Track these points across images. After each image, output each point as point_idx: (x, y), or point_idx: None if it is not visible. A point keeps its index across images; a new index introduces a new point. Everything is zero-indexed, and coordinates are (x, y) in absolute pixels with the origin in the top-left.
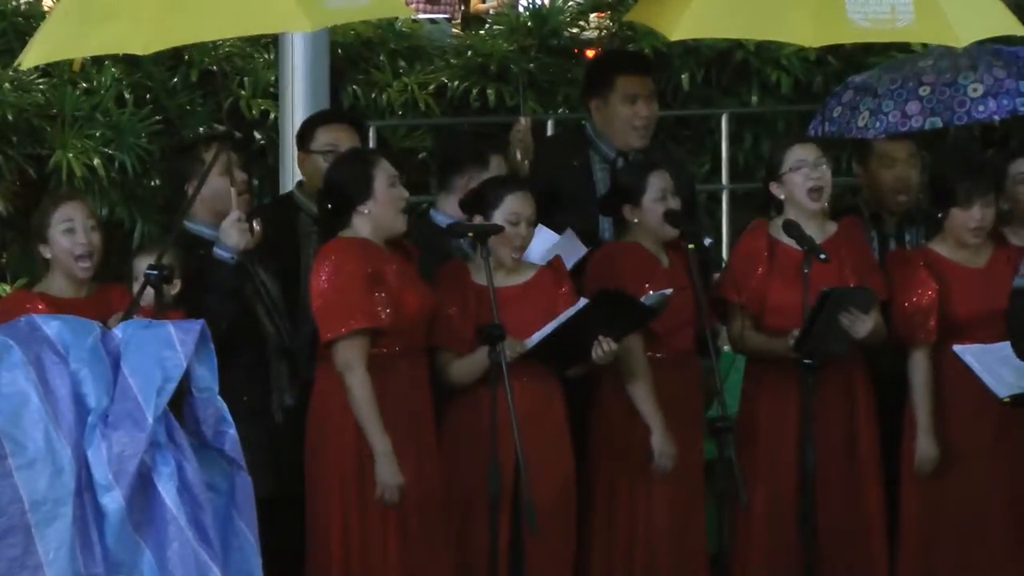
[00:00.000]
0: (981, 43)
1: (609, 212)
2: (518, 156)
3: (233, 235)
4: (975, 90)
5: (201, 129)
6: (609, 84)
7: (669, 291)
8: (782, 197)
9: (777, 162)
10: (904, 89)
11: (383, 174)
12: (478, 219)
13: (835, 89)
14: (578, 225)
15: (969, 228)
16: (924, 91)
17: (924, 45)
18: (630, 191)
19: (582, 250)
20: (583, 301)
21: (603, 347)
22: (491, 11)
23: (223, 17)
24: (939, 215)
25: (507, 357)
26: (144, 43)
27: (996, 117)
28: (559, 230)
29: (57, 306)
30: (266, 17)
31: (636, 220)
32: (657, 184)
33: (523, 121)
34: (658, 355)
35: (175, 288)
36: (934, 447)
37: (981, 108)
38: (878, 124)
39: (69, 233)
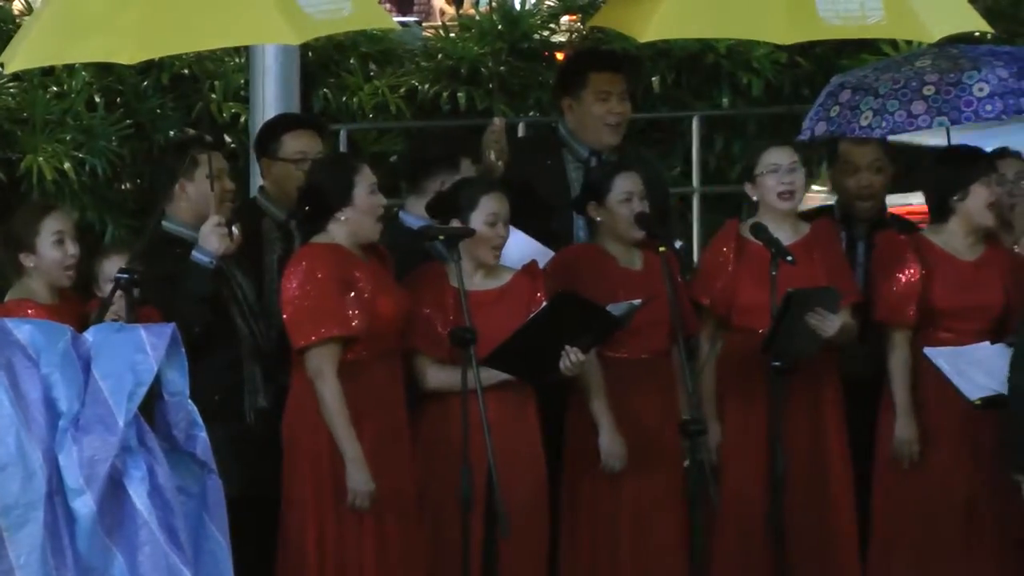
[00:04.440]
0: (957, 42)
1: (580, 211)
2: (492, 158)
3: (213, 240)
4: (981, 89)
5: (172, 133)
6: (582, 82)
7: (637, 302)
8: (755, 198)
9: (753, 160)
10: (907, 89)
11: (364, 182)
12: (455, 222)
13: (828, 88)
14: (553, 226)
15: (989, 203)
16: (928, 91)
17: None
18: (595, 189)
19: (550, 254)
20: (542, 305)
21: (571, 358)
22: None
23: (209, 28)
24: (955, 198)
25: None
26: (130, 53)
27: (1003, 117)
28: (534, 232)
29: (47, 313)
30: (252, 29)
31: (600, 219)
32: (623, 185)
33: (497, 122)
34: (628, 356)
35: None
36: (913, 429)
37: (988, 107)
38: (884, 124)
39: (59, 245)
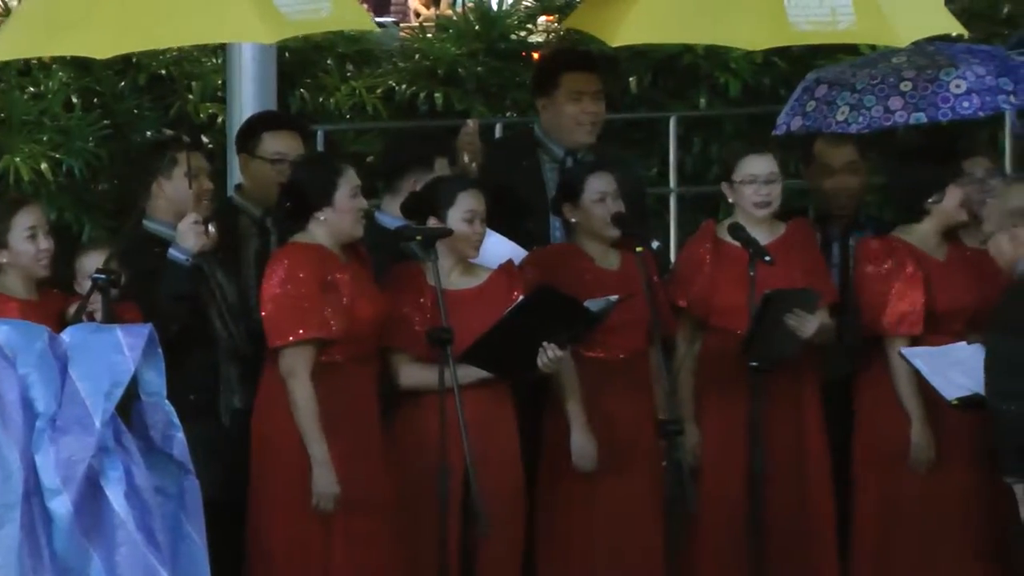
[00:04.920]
0: (931, 41)
1: (556, 212)
2: (465, 159)
3: (189, 238)
4: (958, 86)
5: (149, 133)
6: (555, 82)
7: (614, 298)
8: (731, 201)
9: (731, 165)
10: (885, 84)
11: (347, 184)
12: (432, 221)
13: (804, 83)
14: (529, 226)
15: (962, 202)
16: (906, 87)
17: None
18: (570, 190)
19: (525, 254)
20: (519, 298)
21: (548, 354)
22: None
23: (183, 26)
24: (931, 200)
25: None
26: (106, 48)
27: (980, 114)
28: (510, 232)
29: (25, 308)
30: (227, 27)
31: (575, 220)
32: (596, 185)
33: (470, 124)
34: (606, 356)
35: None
36: (928, 435)
37: (966, 104)
38: (860, 119)
39: (32, 239)
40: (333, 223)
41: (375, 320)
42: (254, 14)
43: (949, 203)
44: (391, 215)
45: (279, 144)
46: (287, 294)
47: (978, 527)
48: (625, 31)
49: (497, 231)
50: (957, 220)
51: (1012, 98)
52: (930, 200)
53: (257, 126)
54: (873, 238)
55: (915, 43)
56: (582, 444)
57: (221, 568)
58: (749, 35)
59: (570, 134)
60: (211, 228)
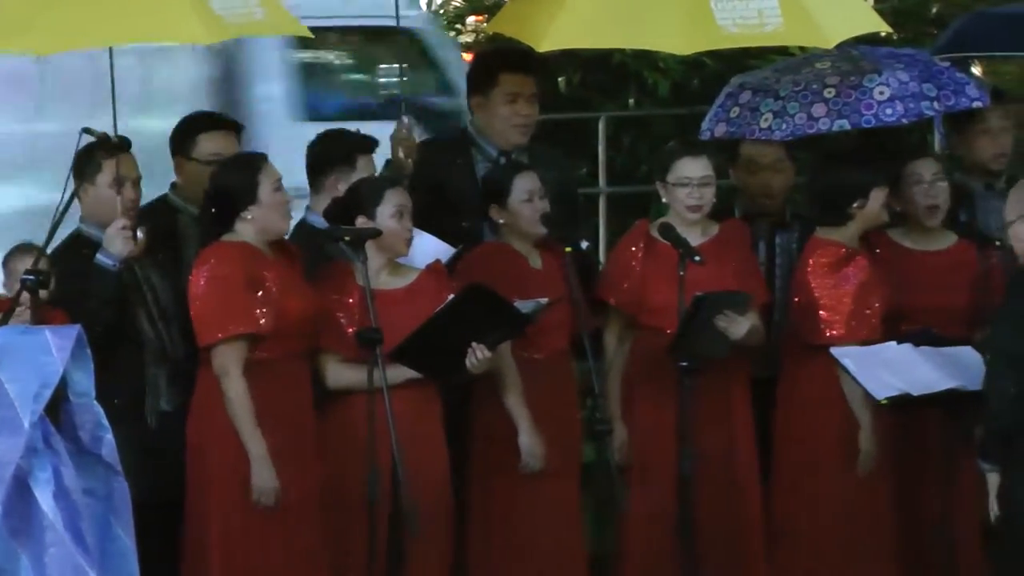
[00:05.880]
0: (856, 45)
1: (482, 213)
2: (400, 155)
3: (117, 243)
4: (881, 93)
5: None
6: (492, 81)
7: (545, 300)
8: (665, 200)
9: (666, 165)
10: (808, 91)
11: (268, 179)
12: (360, 220)
13: (728, 89)
14: (463, 225)
15: (884, 203)
16: (829, 93)
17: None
18: (496, 191)
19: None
20: (450, 297)
21: (477, 355)
22: None
23: (123, 25)
24: (855, 205)
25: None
26: (44, 45)
27: (904, 121)
28: (444, 231)
29: None
30: (166, 27)
31: (502, 221)
32: (523, 185)
33: (405, 120)
34: (531, 356)
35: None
36: (876, 443)
37: (889, 111)
38: (784, 126)
39: None
40: (260, 219)
41: (305, 316)
42: (194, 16)
43: (872, 207)
44: (318, 214)
45: (215, 145)
46: (214, 292)
47: (899, 529)
48: (553, 36)
49: (432, 230)
50: (879, 223)
51: (936, 104)
52: (854, 205)
53: (190, 128)
54: (814, 240)
55: (840, 47)
56: (531, 443)
57: (149, 570)
58: (677, 39)
59: (503, 135)
60: (139, 233)
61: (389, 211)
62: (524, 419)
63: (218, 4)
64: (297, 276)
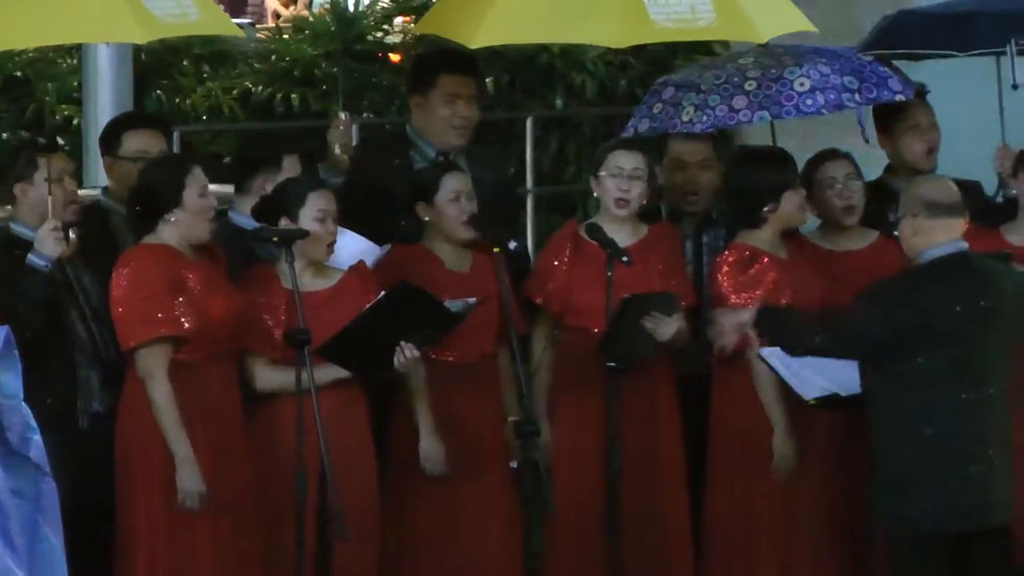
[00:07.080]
0: (783, 41)
1: (409, 211)
2: (337, 151)
3: (48, 244)
4: (802, 84)
5: (5, 135)
6: (431, 82)
7: (472, 300)
8: (596, 195)
9: (600, 158)
10: (729, 84)
11: (195, 183)
12: (284, 221)
13: (653, 87)
14: (401, 225)
15: (800, 205)
16: (750, 86)
17: (727, 47)
18: (424, 189)
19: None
20: (379, 295)
21: (405, 353)
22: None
23: (57, 24)
24: (766, 208)
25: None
26: None
27: (824, 112)
28: (382, 231)
29: None
30: (100, 26)
31: (428, 219)
32: (452, 184)
33: (343, 116)
34: (453, 359)
35: None
36: (791, 446)
37: (809, 102)
38: (705, 119)
39: None
40: (183, 223)
41: (228, 317)
42: (128, 14)
43: (786, 209)
44: (244, 215)
45: (139, 143)
46: (136, 295)
47: (835, 529)
48: (485, 32)
49: (369, 229)
50: (795, 224)
51: (857, 96)
52: (766, 208)
53: (117, 127)
54: (735, 245)
55: (764, 45)
56: (430, 448)
57: (78, 571)
58: (610, 33)
59: (441, 135)
60: (71, 234)
61: (311, 214)
62: (426, 424)
63: (151, 3)
64: (220, 277)
